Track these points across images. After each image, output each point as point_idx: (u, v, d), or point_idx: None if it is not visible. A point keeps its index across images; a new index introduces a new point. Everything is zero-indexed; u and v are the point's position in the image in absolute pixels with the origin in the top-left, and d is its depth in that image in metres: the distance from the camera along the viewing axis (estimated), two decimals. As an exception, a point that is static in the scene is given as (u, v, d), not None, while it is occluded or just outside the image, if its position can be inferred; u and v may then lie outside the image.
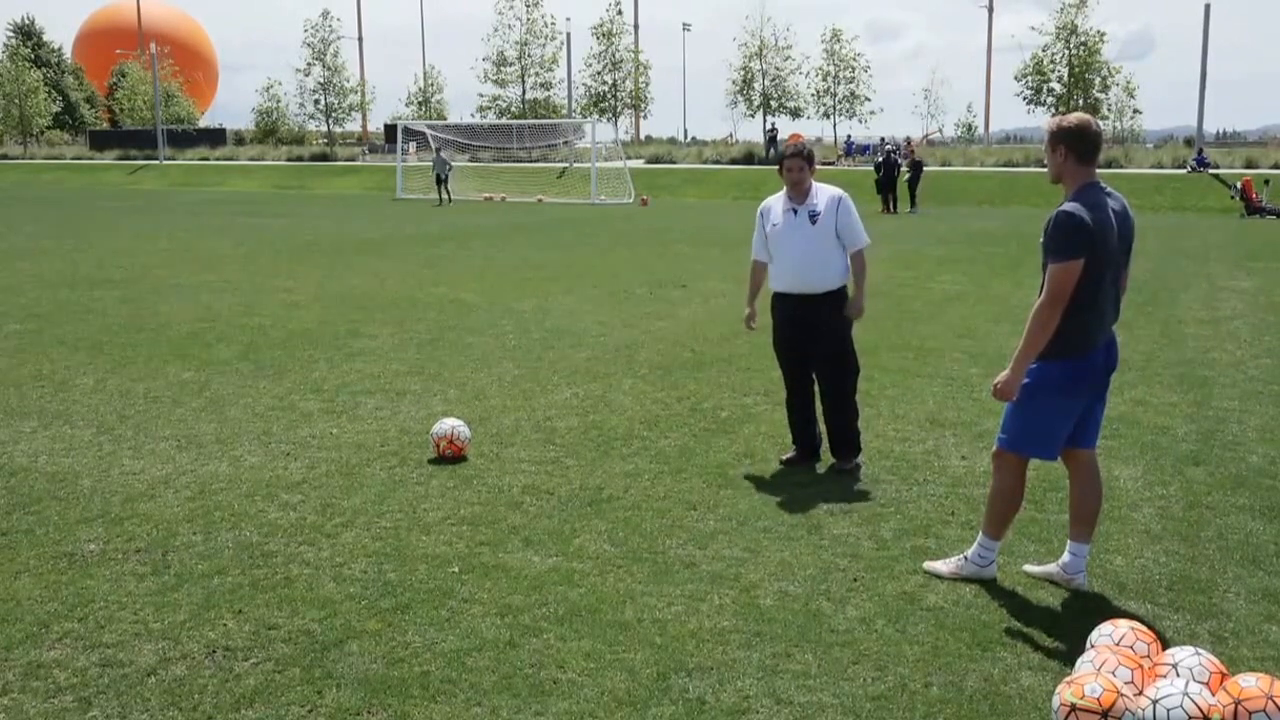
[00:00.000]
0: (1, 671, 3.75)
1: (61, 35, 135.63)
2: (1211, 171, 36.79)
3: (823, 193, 6.04)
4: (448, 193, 33.82)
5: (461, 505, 5.46)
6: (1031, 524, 5.16)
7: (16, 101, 67.52)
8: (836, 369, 6.19)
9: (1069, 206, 4.14)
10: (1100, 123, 4.49)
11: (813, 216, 5.97)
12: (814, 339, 6.13)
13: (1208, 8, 45.99)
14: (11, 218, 25.90)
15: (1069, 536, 4.56)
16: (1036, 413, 4.32)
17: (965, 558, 4.59)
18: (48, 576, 4.55)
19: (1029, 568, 4.65)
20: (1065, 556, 4.54)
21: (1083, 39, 50.57)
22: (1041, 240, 4.24)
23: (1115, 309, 4.38)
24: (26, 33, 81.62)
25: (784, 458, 6.28)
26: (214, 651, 3.89)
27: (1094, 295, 4.18)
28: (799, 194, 6.02)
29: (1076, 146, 4.24)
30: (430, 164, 35.84)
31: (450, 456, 6.19)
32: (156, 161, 56.66)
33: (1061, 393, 4.28)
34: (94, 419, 7.12)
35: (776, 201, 6.13)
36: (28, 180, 47.92)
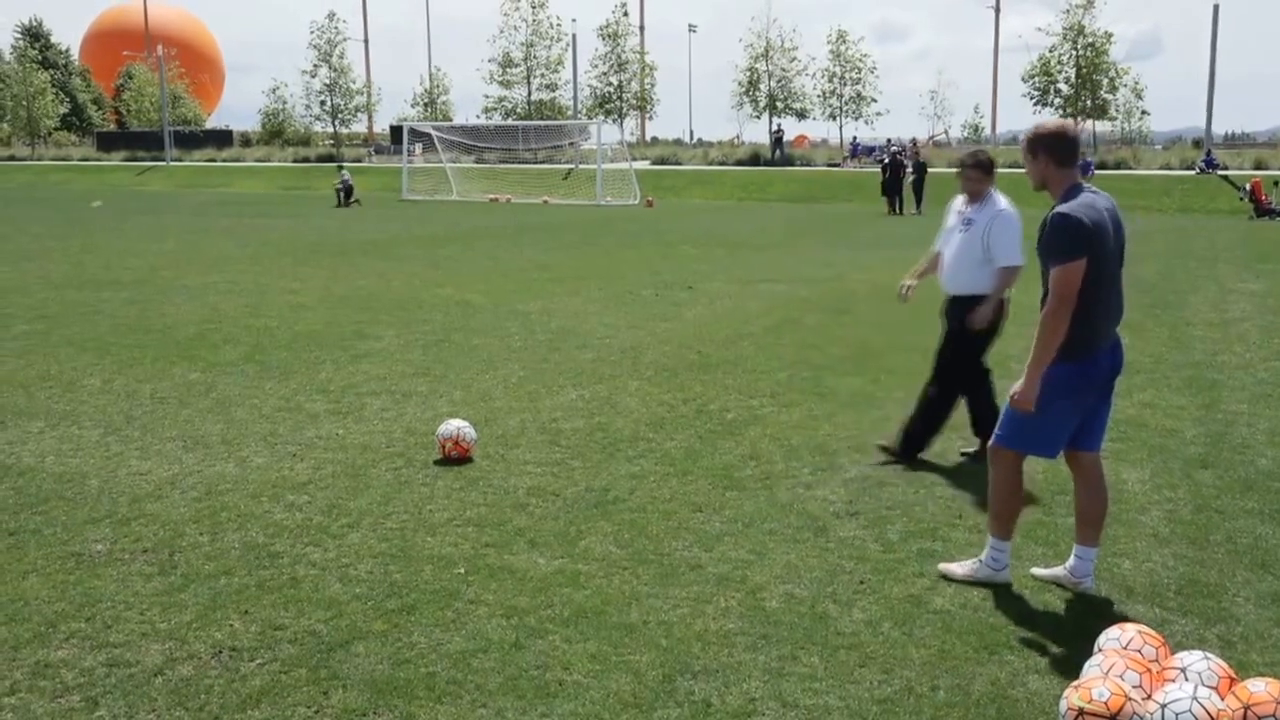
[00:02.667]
0: (9, 671, 3.76)
1: (69, 37, 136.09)
2: (1220, 173, 36.70)
3: (993, 203, 6.13)
4: (355, 200, 32.72)
5: (467, 507, 5.46)
6: (1039, 527, 5.15)
7: (24, 103, 67.75)
8: (943, 370, 6.34)
9: (1063, 208, 4.14)
10: (1079, 126, 4.48)
11: (969, 222, 6.05)
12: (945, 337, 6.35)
13: (1216, 8, 45.93)
14: (19, 218, 25.97)
15: (1075, 540, 4.55)
16: (1038, 413, 4.30)
17: (980, 561, 4.58)
18: (55, 576, 4.56)
19: (1036, 570, 4.64)
20: (1072, 560, 4.53)
21: (1090, 40, 50.51)
22: (1036, 246, 4.23)
23: (1119, 308, 4.36)
24: (34, 34, 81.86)
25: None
26: (220, 652, 3.90)
27: (1097, 295, 4.17)
28: (973, 200, 6.17)
29: (1056, 151, 4.27)
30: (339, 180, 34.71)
31: (456, 458, 6.19)
32: (163, 163, 56.80)
33: (1065, 395, 4.26)
34: (101, 419, 7.13)
35: (959, 201, 6.32)
36: (35, 181, 48.05)
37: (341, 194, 32.73)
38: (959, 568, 4.62)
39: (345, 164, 35.70)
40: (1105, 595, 4.46)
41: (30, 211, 28.80)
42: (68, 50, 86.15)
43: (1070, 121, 5.05)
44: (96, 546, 4.90)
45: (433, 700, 3.58)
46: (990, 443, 4.53)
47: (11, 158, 64.60)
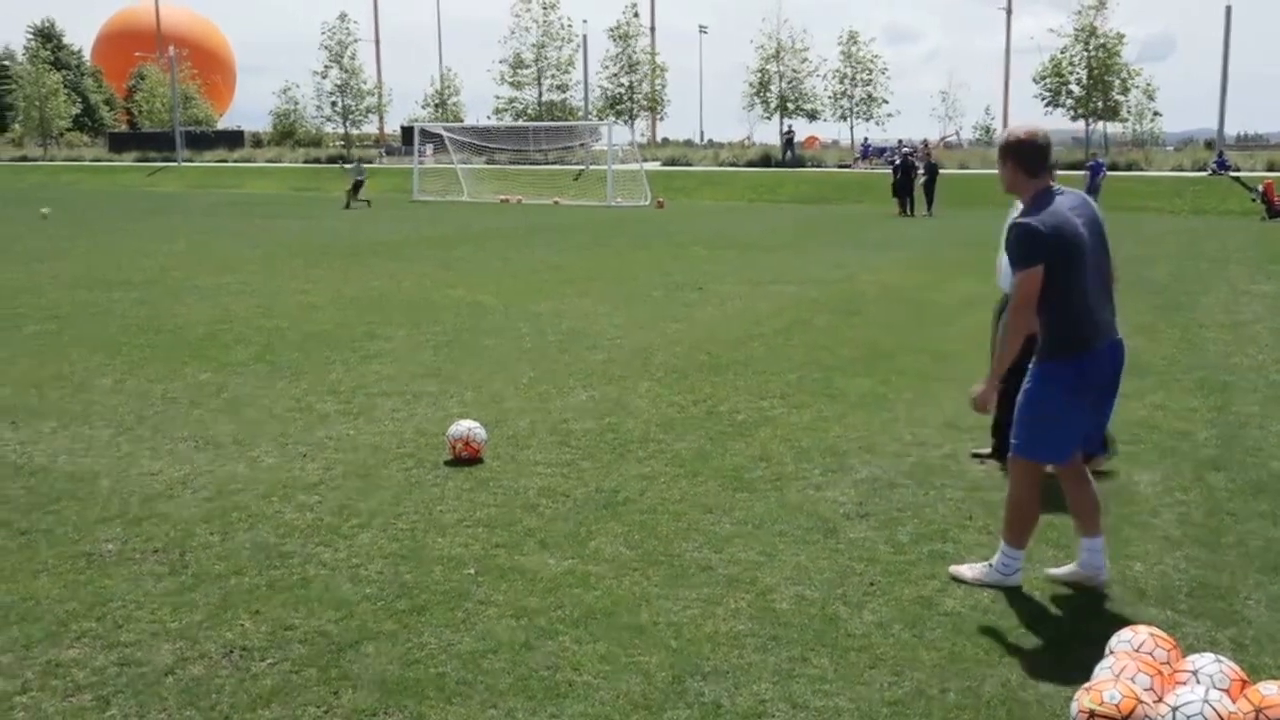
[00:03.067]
0: (21, 670, 3.77)
1: (81, 38, 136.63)
2: (1232, 174, 36.54)
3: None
4: (363, 199, 32.21)
5: (477, 507, 5.47)
6: (1049, 529, 5.12)
7: (37, 104, 68.02)
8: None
9: (1023, 219, 4.22)
10: (1048, 132, 4.47)
11: None
12: None
13: (1229, 9, 45.79)
14: (31, 219, 26.07)
15: (1079, 534, 4.54)
16: (1045, 415, 4.30)
17: (990, 565, 4.57)
18: (67, 576, 4.58)
19: (1050, 571, 4.62)
20: (1082, 554, 4.51)
21: (1102, 41, 50.32)
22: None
23: (1108, 302, 4.36)
24: (46, 35, 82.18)
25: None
26: (231, 652, 3.91)
27: (1073, 293, 4.20)
28: None
29: (1024, 160, 4.30)
30: (349, 171, 34.73)
31: (466, 458, 6.20)
32: (175, 163, 56.98)
33: (1069, 394, 4.27)
34: (113, 419, 7.16)
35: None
36: (47, 181, 48.23)
37: (350, 194, 32.06)
38: (969, 570, 4.60)
39: (361, 161, 35.13)
40: (1117, 597, 4.45)
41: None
42: (80, 51, 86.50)
43: (1041, 128, 4.99)
44: (108, 546, 4.91)
45: (443, 700, 3.58)
46: (1009, 453, 4.52)
47: (24, 158, 64.84)
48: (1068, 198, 4.30)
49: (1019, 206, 6.12)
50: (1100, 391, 4.36)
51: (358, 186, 32.49)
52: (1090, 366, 4.28)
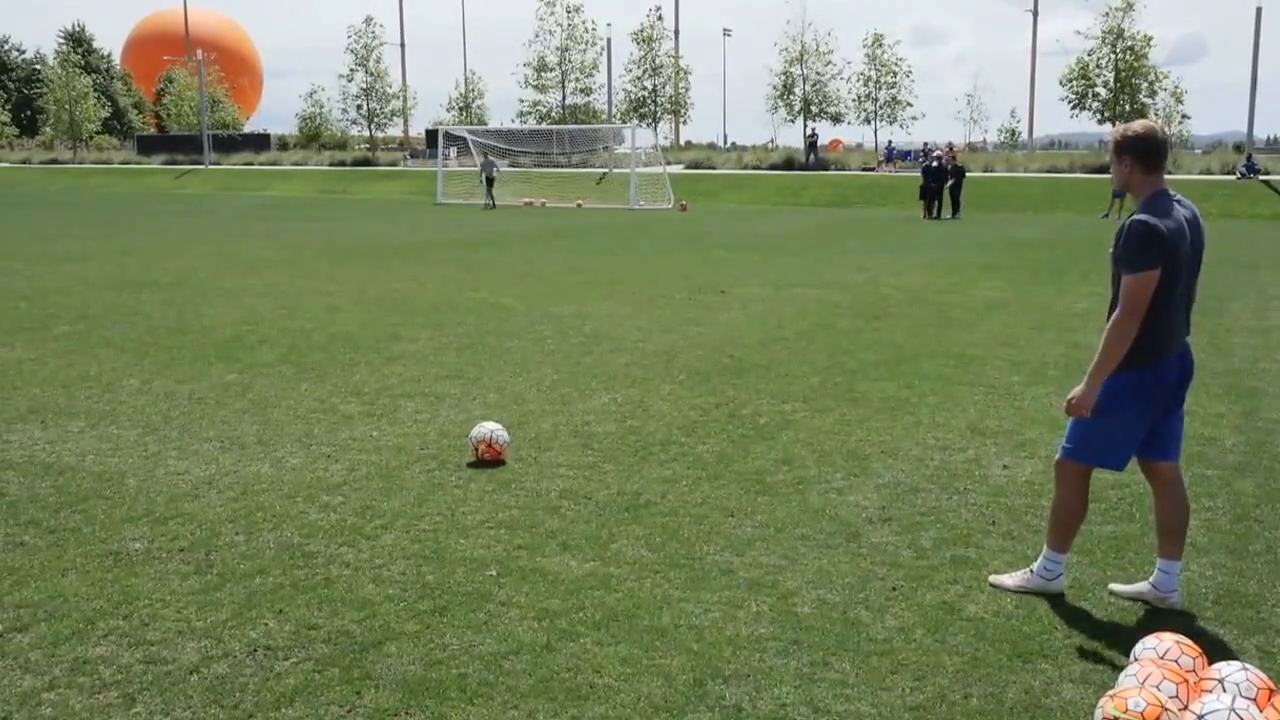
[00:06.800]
0: (49, 667, 3.81)
1: (111, 42, 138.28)
2: (1262, 178, 36.20)
3: None
4: (491, 197, 34.41)
5: (500, 509, 5.48)
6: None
7: (67, 107, 68.76)
8: None
9: (1142, 216, 4.06)
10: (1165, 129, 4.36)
11: None
12: None
13: (1259, 10, 45.37)
14: (61, 221, 26.37)
15: (1157, 554, 4.43)
16: (1103, 424, 4.24)
17: (1031, 571, 4.51)
18: (94, 574, 4.62)
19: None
20: (1155, 574, 4.41)
21: (1129, 43, 49.98)
22: (1111, 251, 4.15)
23: (1186, 320, 4.28)
24: (76, 39, 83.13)
25: None
26: (255, 650, 3.94)
27: (1165, 306, 4.10)
28: None
29: (1141, 156, 4.17)
30: (478, 166, 36.48)
31: (489, 460, 6.22)
32: (202, 166, 57.45)
33: (1130, 403, 4.20)
34: (140, 419, 7.22)
35: None
36: (76, 184, 48.77)
37: (488, 191, 33.86)
38: (1010, 579, 4.55)
39: (490, 156, 37.01)
40: (1142, 604, 4.41)
41: (71, 214, 29.23)
42: (110, 55, 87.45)
43: (1158, 124, 4.81)
44: (134, 545, 4.96)
45: (464, 701, 3.60)
46: (1057, 456, 4.47)
47: (54, 161, 65.53)
48: (1185, 207, 4.19)
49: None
50: (1166, 399, 4.26)
51: (490, 182, 34.14)
52: (1157, 376, 4.19)
